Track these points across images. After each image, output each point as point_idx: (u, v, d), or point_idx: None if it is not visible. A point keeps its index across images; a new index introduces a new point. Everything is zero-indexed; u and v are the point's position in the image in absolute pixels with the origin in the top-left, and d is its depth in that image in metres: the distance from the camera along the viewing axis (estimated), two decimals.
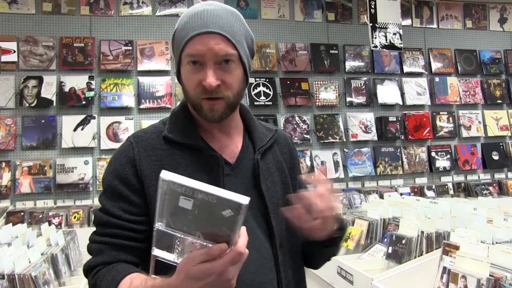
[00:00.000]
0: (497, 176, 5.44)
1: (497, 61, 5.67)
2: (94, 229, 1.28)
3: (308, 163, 4.73)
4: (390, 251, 2.45)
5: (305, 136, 4.78)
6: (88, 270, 1.21)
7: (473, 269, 1.67)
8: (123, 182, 1.22)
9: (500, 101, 5.59)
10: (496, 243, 2.03)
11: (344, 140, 4.91)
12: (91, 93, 4.25)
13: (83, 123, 4.23)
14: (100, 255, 1.20)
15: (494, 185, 5.18)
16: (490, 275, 1.60)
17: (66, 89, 4.21)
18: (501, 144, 5.52)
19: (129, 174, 1.22)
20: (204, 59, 1.17)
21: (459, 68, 5.51)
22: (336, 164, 4.83)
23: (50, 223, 3.48)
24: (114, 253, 1.19)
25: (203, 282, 0.95)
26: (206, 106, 1.21)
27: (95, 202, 4.11)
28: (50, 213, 3.83)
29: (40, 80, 4.15)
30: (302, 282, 1.38)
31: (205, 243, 0.99)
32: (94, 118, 4.25)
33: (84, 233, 3.05)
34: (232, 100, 1.23)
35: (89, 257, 1.25)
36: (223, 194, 0.93)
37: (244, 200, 0.92)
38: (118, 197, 1.21)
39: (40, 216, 3.79)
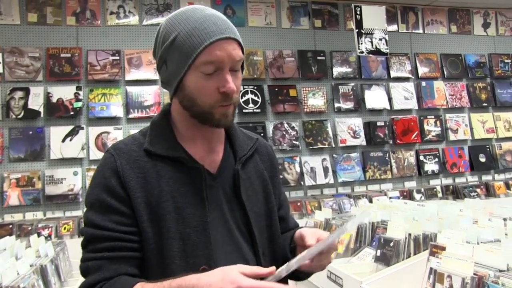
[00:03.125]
0: (484, 178, 5.50)
1: (481, 64, 5.75)
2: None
3: (298, 169, 4.74)
4: (378, 254, 2.46)
5: (294, 142, 4.80)
6: None
7: (458, 268, 1.69)
8: (111, 194, 1.19)
9: (485, 104, 5.66)
10: (481, 242, 2.06)
11: (333, 145, 4.94)
12: (79, 104, 4.24)
13: (71, 134, 4.22)
14: (99, 271, 1.15)
15: (482, 187, 5.23)
16: (474, 274, 1.62)
17: (54, 100, 4.20)
18: (487, 146, 5.58)
19: (116, 186, 1.19)
20: (223, 65, 1.16)
21: (445, 72, 5.57)
22: (325, 169, 4.85)
23: (39, 235, 3.45)
24: (114, 266, 1.15)
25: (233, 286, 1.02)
26: (219, 113, 1.20)
27: None
28: (40, 225, 3.81)
29: (27, 91, 4.14)
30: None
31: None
32: (82, 128, 4.24)
33: (74, 244, 3.04)
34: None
35: (80, 277, 1.21)
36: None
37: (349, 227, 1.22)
38: (107, 210, 1.18)
39: (29, 228, 3.77)
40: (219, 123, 1.23)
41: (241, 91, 4.64)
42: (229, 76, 1.17)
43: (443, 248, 1.92)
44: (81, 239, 1.23)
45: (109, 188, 1.19)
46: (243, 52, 1.23)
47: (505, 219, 2.42)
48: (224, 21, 1.20)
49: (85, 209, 1.23)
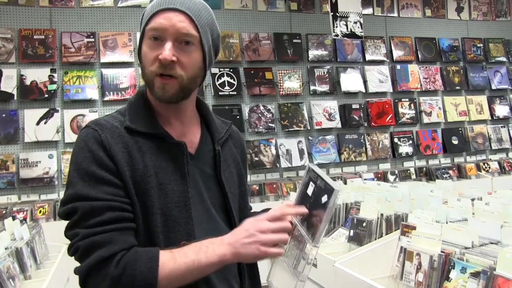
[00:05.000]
0: (457, 160, 5.63)
1: (455, 48, 5.84)
2: (60, 222, 1.22)
3: (274, 151, 4.78)
4: (351, 234, 2.52)
5: (270, 125, 4.83)
6: (100, 264, 1.08)
7: (426, 247, 1.75)
8: (101, 166, 1.15)
9: (458, 88, 5.77)
10: (450, 222, 2.13)
11: (309, 128, 4.99)
12: (54, 86, 4.19)
13: (46, 117, 4.17)
14: (111, 244, 1.09)
15: (454, 168, 5.37)
16: (441, 251, 1.68)
17: (28, 82, 4.13)
18: (460, 129, 5.70)
19: (104, 158, 1.16)
20: (166, 34, 1.19)
21: (419, 56, 5.65)
22: (301, 152, 4.90)
23: (14, 218, 3.42)
24: (124, 237, 1.12)
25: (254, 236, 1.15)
26: (158, 84, 1.21)
27: (61, 195, 4.05)
28: (14, 209, 3.78)
29: None
30: (255, 268, 1.41)
31: (304, 233, 1.16)
32: (57, 111, 4.19)
33: (50, 227, 3.04)
34: (186, 82, 1.22)
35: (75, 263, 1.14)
36: (327, 179, 1.12)
37: (338, 186, 1.09)
38: (100, 182, 1.14)
39: (4, 212, 3.74)
40: (157, 95, 1.23)
41: (216, 73, 4.64)
42: (169, 45, 1.19)
43: (414, 228, 1.98)
44: (57, 222, 1.22)
45: (98, 160, 1.15)
46: (198, 30, 1.22)
47: (473, 199, 2.50)
48: None
49: (61, 192, 1.21)
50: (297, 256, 1.19)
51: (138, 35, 1.28)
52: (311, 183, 1.20)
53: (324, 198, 1.12)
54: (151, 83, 1.23)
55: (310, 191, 1.19)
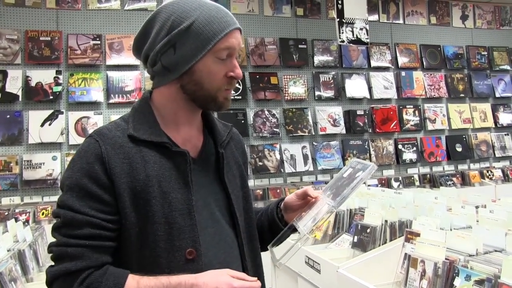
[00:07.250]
0: (461, 167, 5.63)
1: (460, 56, 5.85)
2: None
3: (278, 156, 4.78)
4: (355, 240, 2.51)
5: (275, 129, 4.83)
6: (67, 276, 1.13)
7: (431, 254, 1.74)
8: (93, 180, 1.17)
9: (463, 95, 5.77)
10: (454, 229, 2.12)
11: (313, 133, 4.98)
12: (59, 88, 4.20)
13: (50, 118, 4.18)
14: (80, 259, 1.13)
15: (458, 176, 5.35)
16: (445, 259, 1.68)
17: (33, 83, 4.14)
18: (464, 136, 5.69)
19: (99, 172, 1.18)
20: (234, 52, 1.26)
21: (424, 63, 5.66)
22: (305, 157, 4.89)
23: (17, 220, 3.43)
24: (96, 255, 1.15)
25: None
26: (223, 96, 1.28)
27: None
28: (17, 210, 3.78)
29: (4, 74, 4.07)
30: (259, 269, 1.42)
31: (327, 200, 1.33)
32: (62, 113, 4.20)
33: None
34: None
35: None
36: (367, 162, 1.34)
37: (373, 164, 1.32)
38: (88, 196, 1.17)
39: (6, 213, 3.73)
40: (221, 106, 1.29)
41: None
42: (236, 63, 1.28)
43: (418, 234, 1.98)
44: None
45: (91, 174, 1.18)
46: None
47: (477, 207, 2.49)
48: (229, 12, 1.30)
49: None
50: (312, 217, 1.33)
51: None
52: (349, 169, 1.37)
53: (359, 174, 1.30)
54: (212, 97, 1.28)
55: (346, 173, 1.36)
